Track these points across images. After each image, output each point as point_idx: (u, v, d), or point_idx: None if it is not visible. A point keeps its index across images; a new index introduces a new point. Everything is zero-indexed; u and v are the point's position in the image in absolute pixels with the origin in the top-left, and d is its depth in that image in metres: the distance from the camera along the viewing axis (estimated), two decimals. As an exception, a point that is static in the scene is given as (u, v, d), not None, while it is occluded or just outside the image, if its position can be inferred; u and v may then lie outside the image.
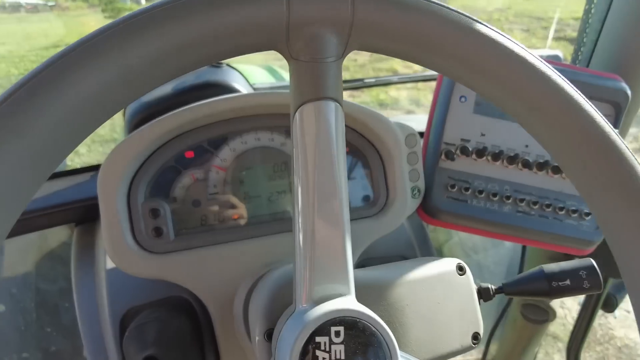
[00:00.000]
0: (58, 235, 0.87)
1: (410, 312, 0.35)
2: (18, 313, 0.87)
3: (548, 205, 0.58)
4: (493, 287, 0.40)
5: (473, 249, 1.39)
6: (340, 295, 0.25)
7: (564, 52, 0.87)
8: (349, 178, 0.56)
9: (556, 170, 0.58)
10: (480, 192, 0.58)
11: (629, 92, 0.58)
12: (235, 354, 0.50)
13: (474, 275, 0.40)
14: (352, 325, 0.24)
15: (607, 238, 0.26)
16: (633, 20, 0.66)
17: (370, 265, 0.58)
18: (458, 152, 0.58)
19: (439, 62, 0.26)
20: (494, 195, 0.58)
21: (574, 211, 0.58)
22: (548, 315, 0.88)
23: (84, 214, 0.65)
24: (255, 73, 0.82)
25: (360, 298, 0.29)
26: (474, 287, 0.39)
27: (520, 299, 0.91)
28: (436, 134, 0.60)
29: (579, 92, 0.26)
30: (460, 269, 0.38)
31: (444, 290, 0.37)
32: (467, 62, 0.25)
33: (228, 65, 0.73)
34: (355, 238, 0.53)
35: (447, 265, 0.38)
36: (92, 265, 0.59)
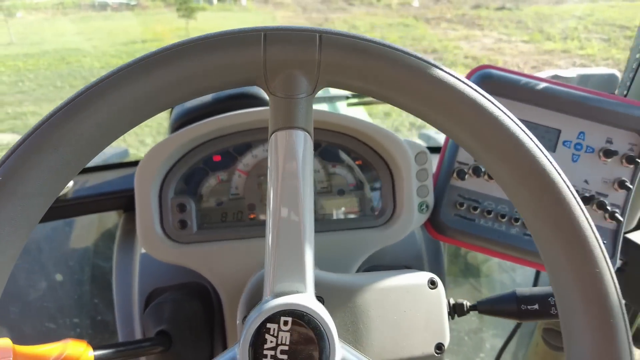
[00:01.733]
0: (115, 218, 0.99)
1: (375, 316, 0.38)
2: (73, 284, 1.00)
3: None
4: (468, 303, 0.43)
5: (512, 267, 1.38)
6: (297, 292, 0.30)
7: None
8: (360, 188, 0.60)
9: None
10: (489, 212, 0.59)
11: None
12: None
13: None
14: (299, 317, 0.29)
15: (547, 271, 0.29)
16: None
17: None
18: (470, 171, 0.60)
19: (397, 99, 0.29)
20: (502, 216, 0.59)
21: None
22: (570, 342, 0.86)
23: (130, 202, 0.74)
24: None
25: (330, 298, 0.33)
26: (444, 301, 0.41)
27: (541, 322, 0.89)
28: (451, 153, 0.62)
29: (521, 126, 0.28)
30: (432, 283, 0.41)
31: (412, 301, 0.40)
32: (420, 99, 0.29)
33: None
34: (359, 245, 0.57)
35: (419, 278, 0.41)
36: (131, 248, 0.68)
